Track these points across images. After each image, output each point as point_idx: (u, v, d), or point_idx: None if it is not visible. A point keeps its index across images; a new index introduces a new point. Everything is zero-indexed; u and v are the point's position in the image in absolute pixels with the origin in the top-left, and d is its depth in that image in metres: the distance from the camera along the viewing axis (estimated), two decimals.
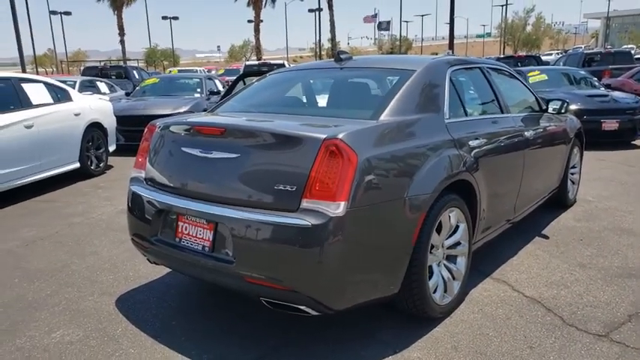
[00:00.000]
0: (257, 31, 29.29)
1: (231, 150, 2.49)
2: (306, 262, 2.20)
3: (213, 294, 3.24)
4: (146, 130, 3.07)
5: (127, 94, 11.19)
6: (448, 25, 19.61)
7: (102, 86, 12.39)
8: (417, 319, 2.77)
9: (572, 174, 5.00)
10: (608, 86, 10.25)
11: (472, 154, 2.94)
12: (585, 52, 15.80)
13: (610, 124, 8.25)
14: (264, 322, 2.84)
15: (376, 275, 2.41)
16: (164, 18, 51.92)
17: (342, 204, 2.18)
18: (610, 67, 13.71)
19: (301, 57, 65.04)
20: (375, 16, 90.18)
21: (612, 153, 7.91)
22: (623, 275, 3.38)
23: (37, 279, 3.55)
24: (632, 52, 17.69)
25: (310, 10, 49.38)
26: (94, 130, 7.19)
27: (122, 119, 8.75)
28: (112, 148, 7.86)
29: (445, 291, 2.83)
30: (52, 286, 3.43)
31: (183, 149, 2.71)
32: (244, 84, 5.20)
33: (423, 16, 70.57)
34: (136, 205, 2.92)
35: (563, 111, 4.30)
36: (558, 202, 4.86)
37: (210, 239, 2.49)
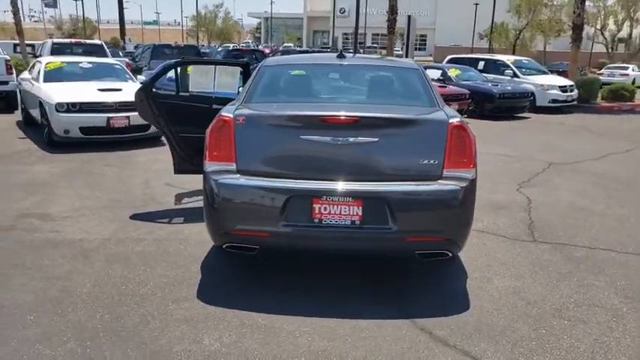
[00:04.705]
0: None
1: (368, 135, 2.89)
2: (459, 216, 2.94)
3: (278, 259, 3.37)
4: (220, 122, 2.98)
5: None
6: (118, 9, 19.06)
7: None
8: (453, 269, 3.65)
9: None
10: None
11: None
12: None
13: None
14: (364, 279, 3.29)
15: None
16: None
17: (474, 170, 3.00)
18: None
19: None
20: None
21: None
22: (492, 208, 5.18)
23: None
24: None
25: None
26: None
27: None
28: None
29: None
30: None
31: (304, 137, 2.88)
32: (175, 73, 4.54)
33: None
34: (239, 196, 2.91)
35: None
36: None
37: (360, 214, 2.84)
